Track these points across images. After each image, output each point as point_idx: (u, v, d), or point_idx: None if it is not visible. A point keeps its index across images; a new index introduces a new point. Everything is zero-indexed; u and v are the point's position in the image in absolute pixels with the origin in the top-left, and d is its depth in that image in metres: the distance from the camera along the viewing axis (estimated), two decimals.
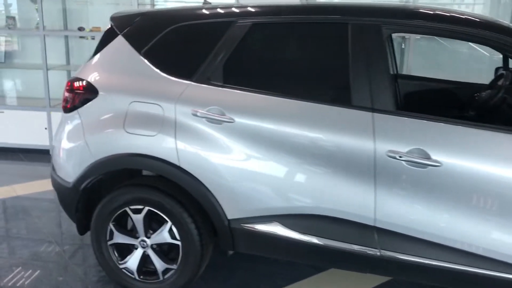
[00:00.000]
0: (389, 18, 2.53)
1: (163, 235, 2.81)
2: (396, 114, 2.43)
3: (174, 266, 2.85)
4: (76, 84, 2.90)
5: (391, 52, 3.46)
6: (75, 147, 2.86)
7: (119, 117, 2.73)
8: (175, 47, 2.80)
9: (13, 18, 5.80)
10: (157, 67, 2.75)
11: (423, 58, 5.47)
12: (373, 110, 2.44)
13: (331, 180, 2.49)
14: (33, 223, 4.00)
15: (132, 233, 2.90)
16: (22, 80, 6.43)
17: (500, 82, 3.43)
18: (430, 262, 2.42)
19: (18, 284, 3.11)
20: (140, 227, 2.84)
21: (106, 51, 2.91)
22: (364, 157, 2.42)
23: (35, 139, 5.66)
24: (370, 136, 2.41)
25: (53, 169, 3.06)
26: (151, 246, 2.86)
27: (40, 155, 5.66)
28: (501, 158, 2.31)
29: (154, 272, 2.90)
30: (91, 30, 5.41)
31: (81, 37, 5.71)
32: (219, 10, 2.81)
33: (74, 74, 3.02)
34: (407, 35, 5.01)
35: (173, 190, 2.75)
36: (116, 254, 2.94)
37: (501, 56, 4.63)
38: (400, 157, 2.36)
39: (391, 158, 2.38)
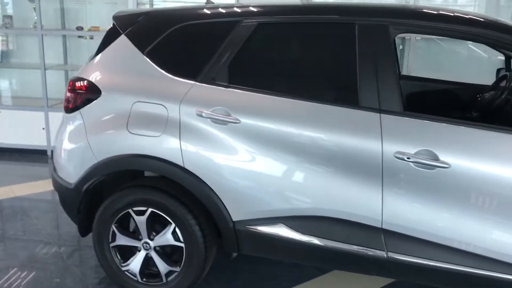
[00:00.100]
0: (396, 18, 2.51)
1: (167, 237, 2.77)
2: (404, 115, 2.41)
3: (178, 269, 2.81)
4: (78, 84, 2.86)
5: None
6: (77, 147, 2.83)
7: (122, 117, 2.70)
8: (179, 46, 2.77)
9: (10, 17, 5.74)
10: (160, 67, 2.72)
11: (422, 59, 5.47)
12: (380, 111, 2.42)
13: (337, 182, 2.47)
14: (31, 224, 3.95)
15: (135, 235, 2.87)
16: (19, 79, 6.38)
17: (503, 84, 3.43)
18: (437, 264, 2.40)
19: (13, 286, 3.07)
20: (143, 229, 2.81)
21: (109, 50, 2.88)
22: (371, 159, 2.40)
23: (33, 139, 5.61)
24: (377, 137, 2.38)
25: (54, 169, 3.02)
26: (154, 248, 2.82)
27: (37, 156, 5.62)
28: (510, 159, 2.29)
29: (157, 274, 2.87)
30: (89, 30, 5.36)
31: (79, 36, 5.66)
32: (224, 9, 2.79)
33: (75, 74, 2.98)
34: (407, 36, 5.01)
35: (177, 191, 2.71)
36: (119, 256, 2.91)
37: (499, 57, 4.64)
38: (408, 158, 2.34)
39: (399, 160, 2.36)
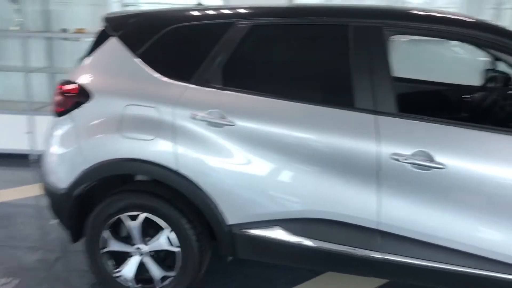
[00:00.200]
0: (390, 20, 2.51)
1: (161, 242, 2.73)
2: (400, 117, 2.41)
3: (172, 273, 2.78)
4: (68, 87, 2.81)
5: None
6: (68, 152, 2.77)
7: (114, 121, 2.65)
8: (172, 48, 2.74)
9: None
10: (153, 69, 2.69)
11: (405, 61, 5.51)
12: (376, 112, 2.42)
13: (334, 184, 2.46)
14: (17, 230, 3.87)
15: (128, 240, 2.82)
16: (1, 83, 6.23)
17: (492, 84, 3.47)
18: (434, 265, 2.41)
19: None
20: (136, 234, 2.76)
21: (100, 53, 2.83)
22: (368, 160, 2.40)
23: (15, 143, 5.49)
24: (373, 139, 2.39)
25: (44, 174, 2.95)
26: (148, 253, 2.78)
27: (20, 160, 5.50)
28: (504, 159, 2.31)
29: (150, 280, 2.82)
30: (75, 32, 5.27)
31: (64, 39, 5.56)
32: (217, 11, 2.77)
33: (65, 77, 2.92)
34: (394, 38, 5.03)
35: (171, 195, 2.68)
36: (111, 262, 2.85)
37: (481, 58, 4.70)
38: (405, 159, 2.35)
39: (395, 161, 2.36)
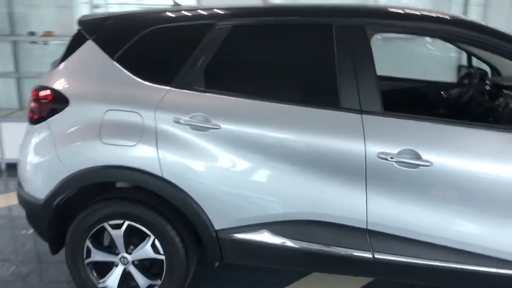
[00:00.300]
0: (373, 19, 2.51)
1: (146, 250, 2.66)
2: (385, 115, 2.42)
3: (158, 282, 2.71)
4: (43, 93, 2.70)
5: None
6: (46, 161, 2.66)
7: (94, 127, 2.56)
8: (151, 51, 2.67)
9: None
10: (132, 73, 2.61)
11: (381, 58, 5.56)
12: (362, 112, 2.41)
13: (322, 185, 2.45)
14: None
15: (111, 249, 2.74)
16: None
17: (468, 80, 3.53)
18: (423, 262, 2.42)
19: None
20: (120, 243, 2.68)
21: (75, 57, 2.73)
22: (355, 160, 2.39)
23: None
24: (360, 139, 2.38)
25: (20, 185, 2.83)
26: (133, 262, 2.71)
27: None
28: (489, 155, 2.34)
29: None
30: (43, 35, 5.10)
31: (32, 42, 5.37)
32: (197, 12, 2.71)
33: (37, 82, 2.81)
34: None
35: (155, 202, 2.62)
36: (95, 273, 2.76)
37: (452, 54, 4.77)
38: (392, 158, 2.35)
39: (382, 160, 2.36)
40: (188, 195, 2.52)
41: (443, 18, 2.60)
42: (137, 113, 2.53)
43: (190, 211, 2.55)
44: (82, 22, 2.81)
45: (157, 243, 2.64)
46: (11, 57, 5.64)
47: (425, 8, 2.80)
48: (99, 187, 2.86)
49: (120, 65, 2.62)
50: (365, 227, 2.46)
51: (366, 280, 3.13)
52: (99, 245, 2.76)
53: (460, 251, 2.39)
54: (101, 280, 2.76)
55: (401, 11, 2.65)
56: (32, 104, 2.73)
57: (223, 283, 3.18)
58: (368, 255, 2.47)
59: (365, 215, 2.44)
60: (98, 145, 2.55)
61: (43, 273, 3.36)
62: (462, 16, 2.87)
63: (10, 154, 5.13)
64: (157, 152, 2.50)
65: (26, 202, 2.78)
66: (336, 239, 2.50)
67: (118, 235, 2.67)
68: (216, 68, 2.56)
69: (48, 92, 2.68)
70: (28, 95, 5.80)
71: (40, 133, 2.68)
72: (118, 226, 2.66)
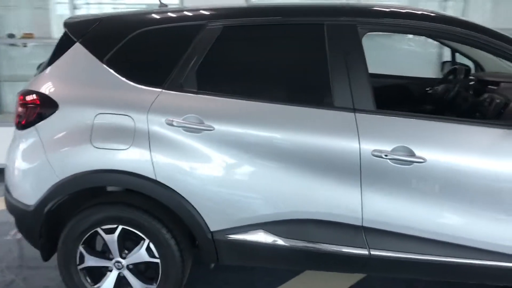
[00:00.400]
0: (364, 18, 2.53)
1: (141, 254, 2.64)
2: (378, 113, 2.44)
3: (154, 285, 2.69)
4: (30, 97, 2.64)
5: None
6: (35, 166, 2.60)
7: (85, 131, 2.52)
8: (142, 53, 2.64)
9: None
10: (122, 75, 2.57)
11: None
12: (355, 110, 2.43)
13: (316, 184, 2.45)
14: None
15: (105, 254, 2.70)
16: None
17: (453, 76, 3.58)
18: (419, 257, 2.45)
19: None
20: (114, 248, 2.65)
21: (63, 60, 2.67)
22: (350, 159, 2.40)
23: None
24: (354, 137, 2.40)
25: (8, 191, 2.77)
26: (127, 267, 2.68)
27: None
28: (481, 151, 2.38)
29: None
30: (22, 37, 4.99)
31: (12, 44, 5.25)
32: (187, 13, 2.69)
33: (25, 86, 2.75)
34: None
35: (149, 205, 2.59)
36: (88, 279, 2.73)
37: (431, 50, 4.82)
38: (386, 155, 2.37)
39: (377, 158, 2.38)
40: (183, 197, 2.50)
41: (436, 16, 2.63)
42: (129, 116, 2.50)
43: (185, 213, 2.53)
44: (69, 24, 2.76)
45: (152, 246, 2.62)
46: None
47: (409, 6, 2.82)
48: (89, 192, 2.82)
49: (110, 67, 2.59)
50: (360, 224, 2.47)
51: (358, 276, 3.16)
52: (92, 251, 2.72)
53: (455, 245, 2.43)
54: (95, 286, 2.73)
55: (393, 10, 2.67)
56: (20, 109, 2.67)
57: (219, 284, 3.17)
58: (364, 251, 2.49)
59: (360, 212, 2.45)
60: (90, 149, 2.51)
61: (30, 279, 3.28)
62: (454, 15, 2.89)
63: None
64: (150, 155, 2.48)
65: (15, 208, 2.72)
66: (333, 237, 2.51)
67: (111, 240, 2.64)
68: (208, 69, 2.55)
69: (35, 96, 2.63)
70: (7, 98, 5.73)
71: (29, 139, 2.62)
72: (112, 231, 2.63)
